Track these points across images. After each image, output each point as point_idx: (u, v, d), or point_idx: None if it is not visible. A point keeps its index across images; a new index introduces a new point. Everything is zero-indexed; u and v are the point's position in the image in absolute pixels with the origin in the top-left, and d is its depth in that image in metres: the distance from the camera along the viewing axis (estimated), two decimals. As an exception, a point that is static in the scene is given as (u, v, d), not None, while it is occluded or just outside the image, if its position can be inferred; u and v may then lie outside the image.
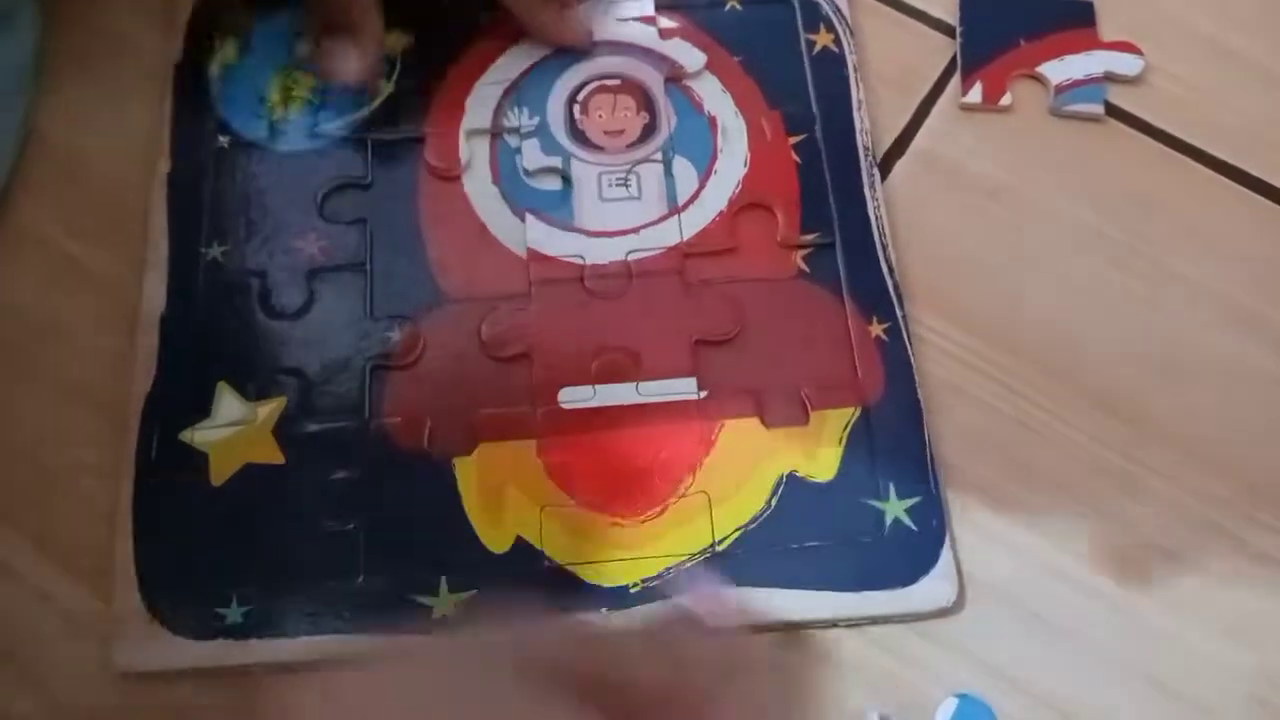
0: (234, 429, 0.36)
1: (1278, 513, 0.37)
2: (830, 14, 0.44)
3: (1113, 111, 0.43)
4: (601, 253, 0.39)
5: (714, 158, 0.41)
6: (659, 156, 0.41)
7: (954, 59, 0.44)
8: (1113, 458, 0.37)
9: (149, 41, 0.42)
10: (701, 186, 0.41)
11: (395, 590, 0.35)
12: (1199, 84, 0.43)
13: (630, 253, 0.39)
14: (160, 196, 0.40)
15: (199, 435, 0.36)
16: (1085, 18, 0.44)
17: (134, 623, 0.34)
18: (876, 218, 0.40)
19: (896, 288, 0.39)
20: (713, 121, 0.42)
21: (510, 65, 0.42)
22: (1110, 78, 0.43)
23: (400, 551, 0.35)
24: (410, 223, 0.40)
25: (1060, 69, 0.43)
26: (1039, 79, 0.43)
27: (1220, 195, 0.42)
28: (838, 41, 0.43)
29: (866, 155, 0.41)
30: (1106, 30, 0.44)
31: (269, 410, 0.37)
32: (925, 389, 0.38)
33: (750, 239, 0.40)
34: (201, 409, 0.37)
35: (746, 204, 0.40)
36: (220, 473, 0.36)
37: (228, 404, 0.37)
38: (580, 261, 0.39)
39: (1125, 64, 0.43)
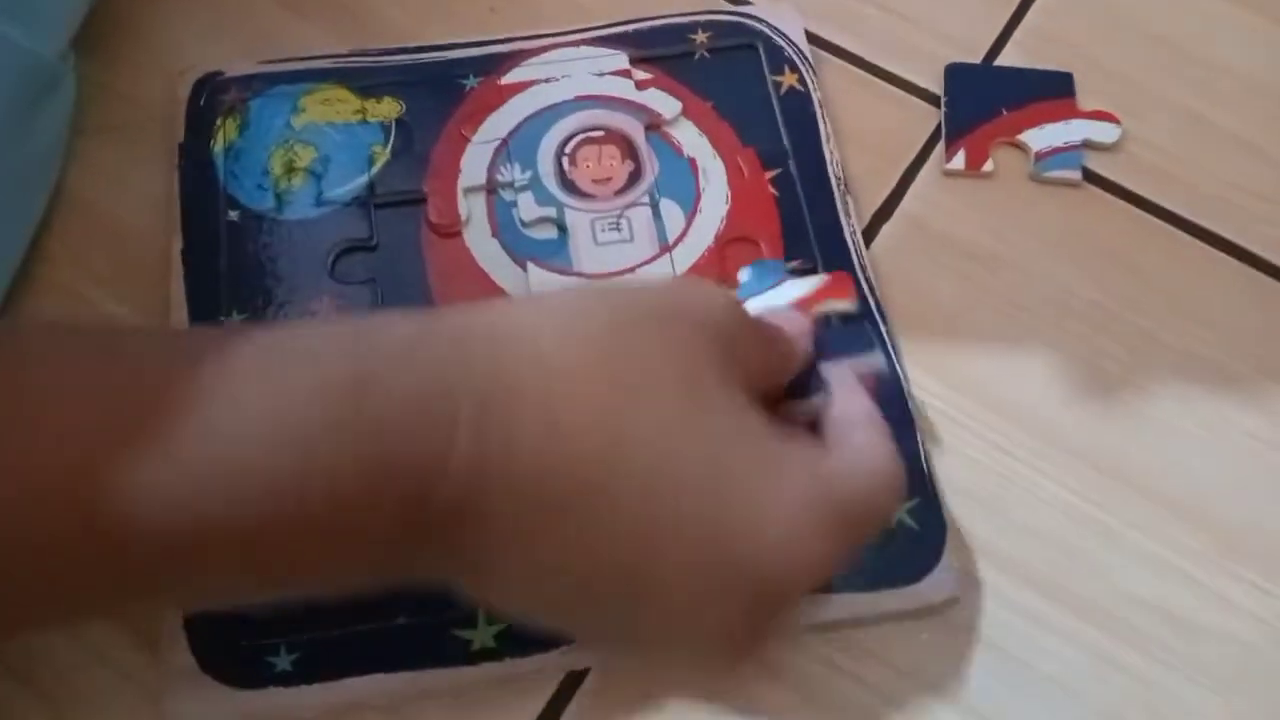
0: (268, 486, 0.38)
1: (1251, 566, 0.38)
2: (794, 56, 0.47)
3: (1091, 177, 0.45)
4: (601, 293, 0.42)
5: (698, 197, 0.44)
6: (646, 200, 0.44)
7: (939, 127, 0.46)
8: (1093, 511, 0.39)
9: (174, 108, 0.45)
10: (689, 225, 0.43)
11: (435, 627, 0.36)
12: (1174, 151, 0.45)
13: (628, 291, 0.42)
14: (177, 271, 0.41)
15: (235, 495, 0.38)
16: (1065, 88, 0.46)
17: (184, 676, 0.35)
18: (854, 242, 0.43)
19: (879, 306, 0.42)
20: (693, 164, 0.44)
21: (498, 124, 0.45)
22: (1088, 145, 0.45)
23: (437, 589, 0.37)
24: (418, 279, 0.42)
25: (1040, 137, 0.45)
26: (1020, 146, 0.45)
27: (1194, 258, 0.44)
28: (802, 81, 0.46)
29: (839, 184, 0.44)
30: (1085, 100, 0.46)
31: (300, 466, 0.39)
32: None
33: (739, 270, 0.42)
34: (234, 470, 0.38)
35: (732, 238, 0.43)
36: (258, 529, 0.38)
37: (260, 463, 0.39)
38: (581, 303, 0.42)
39: (1103, 132, 0.45)
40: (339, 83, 0.45)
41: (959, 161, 0.45)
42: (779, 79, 0.46)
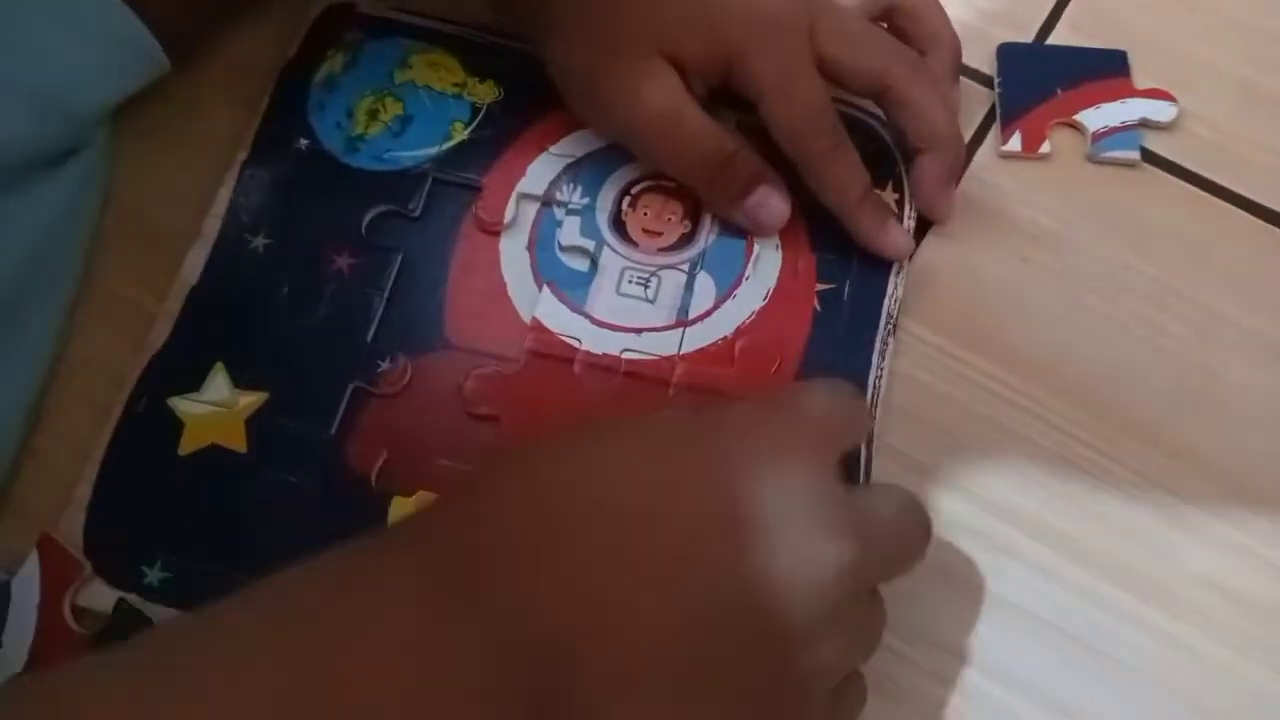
0: (214, 408, 0.39)
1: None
2: (903, 174, 0.43)
3: (1149, 157, 0.44)
4: (599, 342, 0.40)
5: (737, 282, 0.41)
6: (685, 267, 0.42)
7: (993, 109, 0.45)
8: (1154, 492, 0.39)
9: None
10: (715, 306, 0.41)
11: (296, 601, 0.36)
12: (1232, 128, 0.45)
13: (625, 350, 0.40)
14: (231, 178, 0.43)
15: (183, 405, 0.39)
16: (1120, 67, 0.46)
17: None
18: (875, 386, 0.40)
19: (870, 445, 0.38)
20: (749, 246, 0.42)
21: (583, 141, 0.44)
22: (1145, 124, 0.45)
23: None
24: (440, 264, 0.42)
25: (1097, 117, 0.44)
26: (1076, 127, 0.45)
27: (1254, 236, 0.43)
28: (900, 203, 0.43)
29: (888, 322, 0.41)
30: (1140, 78, 0.45)
31: (249, 401, 0.39)
32: (966, 426, 0.40)
33: (745, 366, 0.40)
34: (195, 382, 0.40)
35: (753, 335, 0.40)
36: (188, 445, 0.39)
37: (217, 384, 0.40)
38: (576, 345, 0.40)
39: (1160, 110, 0.45)
40: (452, 52, 0.45)
41: (1015, 143, 0.44)
42: (879, 192, 0.43)
